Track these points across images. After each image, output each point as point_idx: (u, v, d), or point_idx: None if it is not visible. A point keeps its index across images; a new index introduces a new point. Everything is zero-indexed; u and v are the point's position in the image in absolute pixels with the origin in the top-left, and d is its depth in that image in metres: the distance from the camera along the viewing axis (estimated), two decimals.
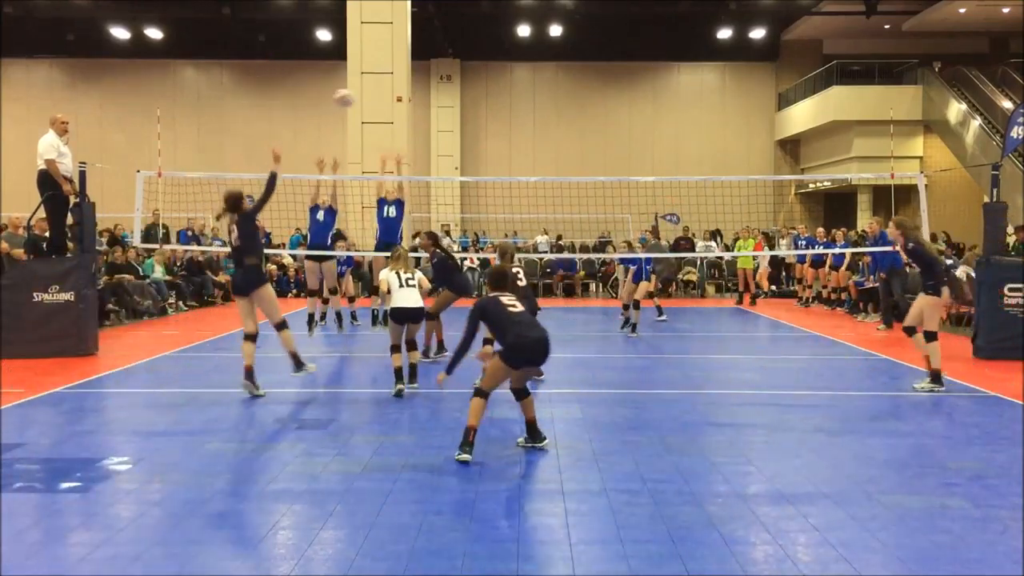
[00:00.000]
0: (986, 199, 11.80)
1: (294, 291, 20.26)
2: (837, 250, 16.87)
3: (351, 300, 14.66)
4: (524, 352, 6.04)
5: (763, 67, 31.86)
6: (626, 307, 13.69)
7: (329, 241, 12.86)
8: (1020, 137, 11.72)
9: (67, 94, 30.82)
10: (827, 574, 4.10)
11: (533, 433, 6.30)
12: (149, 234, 16.18)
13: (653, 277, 14.41)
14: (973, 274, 12.27)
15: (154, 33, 30.44)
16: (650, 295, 14.30)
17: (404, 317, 8.40)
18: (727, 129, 31.71)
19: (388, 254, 9.27)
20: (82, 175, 11.09)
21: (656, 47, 30.86)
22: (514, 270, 9.00)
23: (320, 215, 12.62)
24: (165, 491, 5.34)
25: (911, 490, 5.42)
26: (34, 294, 10.57)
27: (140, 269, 16.09)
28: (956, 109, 25.33)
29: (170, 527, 4.70)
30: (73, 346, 10.61)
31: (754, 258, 19.34)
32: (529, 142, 32.01)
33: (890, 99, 24.84)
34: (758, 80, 31.96)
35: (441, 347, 10.52)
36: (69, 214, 11.00)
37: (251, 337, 8.21)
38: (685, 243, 21.61)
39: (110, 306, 14.14)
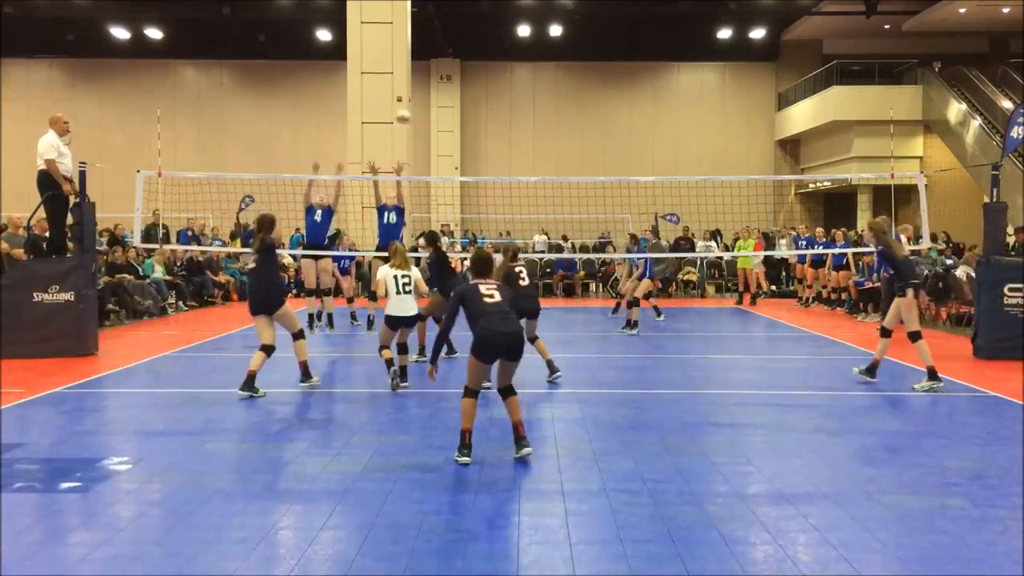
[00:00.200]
0: (986, 199, 11.79)
1: (294, 291, 20.24)
2: (837, 250, 16.87)
3: (350, 300, 14.66)
4: (488, 345, 5.84)
5: (763, 67, 31.86)
6: (628, 305, 13.71)
7: (326, 241, 12.86)
8: (1020, 137, 11.71)
9: (67, 94, 30.81)
10: (827, 574, 4.11)
11: (517, 440, 5.97)
12: (149, 234, 16.18)
13: (654, 277, 14.44)
14: (973, 274, 12.27)
15: (154, 33, 30.43)
16: (647, 295, 14.31)
17: (398, 324, 8.71)
18: (727, 129, 31.70)
19: (387, 254, 9.31)
20: (82, 175, 11.08)
21: (656, 47, 30.86)
22: (516, 269, 8.99)
23: (317, 215, 12.64)
24: (165, 491, 5.34)
25: (911, 490, 5.42)
26: (34, 294, 10.57)
27: (140, 269, 16.09)
28: (956, 109, 25.33)
29: (170, 527, 4.71)
30: (73, 346, 10.61)
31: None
32: (529, 142, 32.01)
33: (890, 99, 24.83)
34: (758, 80, 31.96)
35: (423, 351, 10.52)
36: (69, 214, 11.00)
37: (268, 350, 8.31)
38: (685, 243, 21.61)
39: (110, 306, 14.14)
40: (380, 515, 4.87)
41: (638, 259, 14.09)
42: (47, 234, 11.63)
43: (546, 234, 26.16)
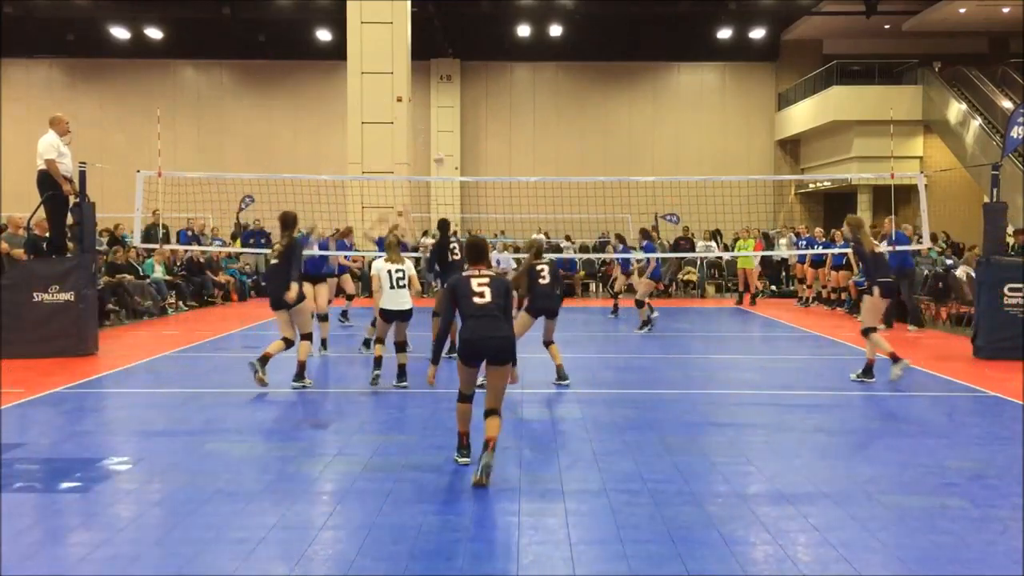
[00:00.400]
0: (986, 199, 11.80)
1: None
2: (837, 250, 16.87)
3: (349, 299, 14.64)
4: (471, 348, 5.63)
5: (763, 67, 31.85)
6: (636, 306, 13.76)
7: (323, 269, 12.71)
8: (1020, 137, 11.71)
9: (67, 94, 30.79)
10: (827, 574, 4.11)
11: (485, 447, 5.48)
12: (149, 234, 16.17)
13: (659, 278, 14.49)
14: (973, 274, 12.27)
15: (154, 33, 30.42)
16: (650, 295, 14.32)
17: (393, 317, 8.81)
18: (727, 129, 31.68)
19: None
20: (82, 175, 11.08)
21: (656, 47, 30.85)
22: (539, 267, 8.89)
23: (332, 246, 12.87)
24: (165, 491, 5.34)
25: (911, 490, 5.42)
26: (34, 294, 10.57)
27: (140, 269, 16.08)
28: (956, 109, 25.33)
29: (170, 527, 4.71)
30: (73, 346, 10.61)
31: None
32: (529, 142, 32.00)
33: (890, 99, 24.81)
34: (758, 80, 31.95)
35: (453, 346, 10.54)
36: (69, 214, 11.00)
37: (288, 342, 8.61)
38: (685, 243, 21.61)
39: (110, 306, 14.14)
40: (380, 515, 4.87)
41: (647, 258, 14.08)
42: (47, 234, 11.62)
43: (546, 234, 26.15)
